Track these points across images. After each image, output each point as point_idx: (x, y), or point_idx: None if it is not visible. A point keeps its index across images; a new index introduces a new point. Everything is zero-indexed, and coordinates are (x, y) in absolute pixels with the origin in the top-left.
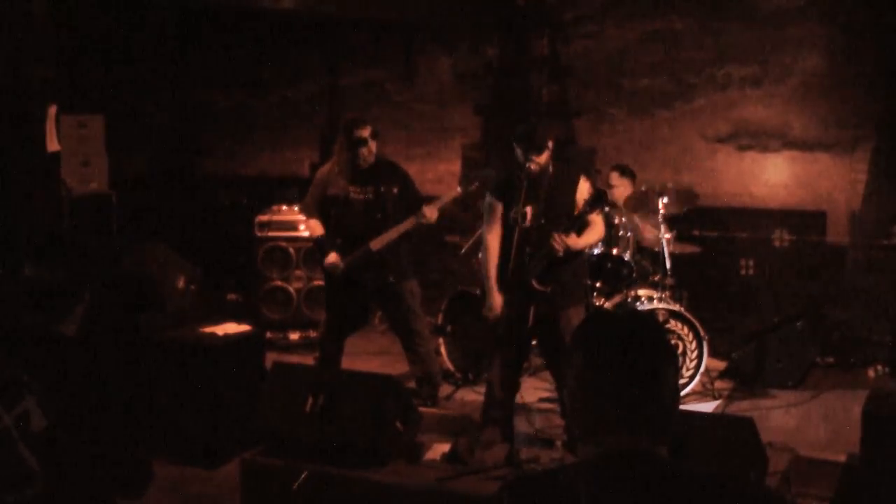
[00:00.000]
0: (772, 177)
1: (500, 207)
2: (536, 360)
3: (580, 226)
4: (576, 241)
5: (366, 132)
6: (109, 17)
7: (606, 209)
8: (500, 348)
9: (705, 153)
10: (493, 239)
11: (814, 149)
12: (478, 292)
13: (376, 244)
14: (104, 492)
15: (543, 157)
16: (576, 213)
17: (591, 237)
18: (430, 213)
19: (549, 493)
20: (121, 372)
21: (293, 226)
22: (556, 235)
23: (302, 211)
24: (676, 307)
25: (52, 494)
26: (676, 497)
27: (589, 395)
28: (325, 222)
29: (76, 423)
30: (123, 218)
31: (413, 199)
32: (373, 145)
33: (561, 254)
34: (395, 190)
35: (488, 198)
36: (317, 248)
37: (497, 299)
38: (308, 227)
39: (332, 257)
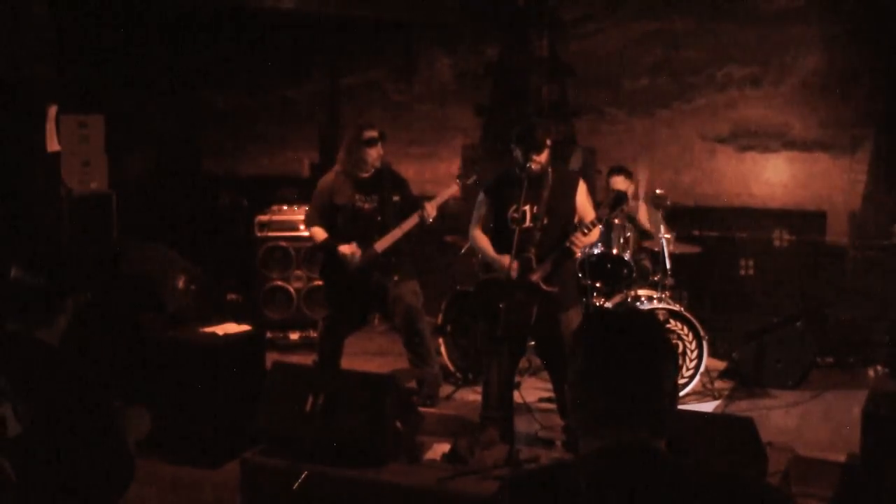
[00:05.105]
0: (772, 177)
1: (487, 206)
2: (536, 360)
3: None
4: (584, 240)
5: (375, 133)
6: (109, 18)
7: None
8: (497, 348)
9: (705, 153)
10: (478, 232)
11: (813, 149)
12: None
13: (381, 245)
14: (83, 494)
15: (544, 156)
16: (575, 215)
17: (592, 237)
18: (431, 208)
19: (549, 487)
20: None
21: (293, 226)
22: (578, 236)
23: (305, 222)
24: (676, 307)
25: (27, 501)
26: (675, 490)
27: (590, 390)
28: (330, 230)
29: (55, 428)
30: (123, 218)
31: (411, 206)
32: (380, 147)
33: (579, 254)
34: (396, 198)
35: (480, 195)
36: (325, 249)
37: (506, 259)
38: (312, 235)
39: (347, 247)
